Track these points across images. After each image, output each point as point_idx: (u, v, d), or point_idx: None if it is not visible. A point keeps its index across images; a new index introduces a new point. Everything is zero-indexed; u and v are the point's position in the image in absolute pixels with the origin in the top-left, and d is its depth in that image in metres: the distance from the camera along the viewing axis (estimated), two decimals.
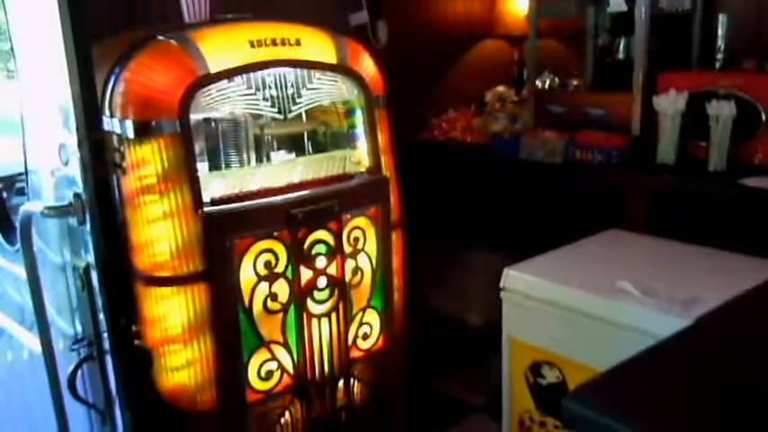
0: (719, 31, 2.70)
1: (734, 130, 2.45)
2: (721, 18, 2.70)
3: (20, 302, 2.04)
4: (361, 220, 2.11)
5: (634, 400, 1.06)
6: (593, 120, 2.85)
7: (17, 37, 1.92)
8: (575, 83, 3.21)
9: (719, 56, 2.71)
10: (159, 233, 1.78)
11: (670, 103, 2.57)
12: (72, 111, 1.48)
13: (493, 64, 3.53)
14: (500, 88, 3.38)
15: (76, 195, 1.48)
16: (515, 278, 2.12)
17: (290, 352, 2.00)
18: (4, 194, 2.37)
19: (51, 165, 1.72)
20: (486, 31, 3.48)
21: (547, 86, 3.25)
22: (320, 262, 2.01)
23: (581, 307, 1.95)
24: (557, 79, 3.26)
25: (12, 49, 1.96)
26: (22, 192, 2.14)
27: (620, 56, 2.97)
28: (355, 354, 2.16)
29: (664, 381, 1.11)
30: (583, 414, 1.02)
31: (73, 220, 1.54)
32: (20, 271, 1.84)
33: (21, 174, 2.03)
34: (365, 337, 2.19)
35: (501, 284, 2.15)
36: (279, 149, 2.13)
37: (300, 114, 2.07)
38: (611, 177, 2.62)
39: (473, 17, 3.46)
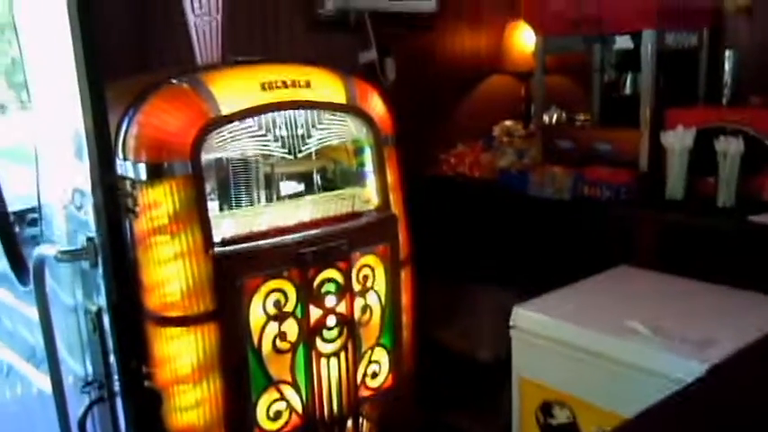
0: (726, 67, 2.72)
1: (742, 165, 2.45)
2: (728, 54, 2.72)
3: (30, 342, 2.05)
4: (370, 259, 2.12)
5: None
6: (600, 155, 2.85)
7: (30, 69, 1.95)
8: (582, 118, 3.22)
9: (726, 91, 2.72)
10: (170, 274, 1.79)
11: (678, 139, 2.57)
12: (85, 150, 1.50)
13: (500, 99, 3.55)
14: (508, 123, 3.40)
15: (89, 240, 1.50)
16: (525, 316, 2.12)
17: (298, 392, 2.00)
18: (17, 228, 2.39)
19: (64, 200, 1.74)
20: (493, 67, 3.51)
21: (554, 121, 3.26)
22: (329, 301, 2.02)
23: (591, 346, 1.94)
24: (564, 114, 3.28)
25: (25, 81, 1.99)
26: (33, 223, 2.17)
27: (627, 91, 2.99)
28: (364, 392, 2.16)
29: None
30: None
31: (86, 264, 1.56)
32: (31, 311, 1.85)
33: (33, 209, 2.05)
34: (374, 375, 2.18)
35: (510, 322, 2.14)
36: (288, 188, 2.15)
37: (310, 153, 2.09)
38: (619, 213, 2.62)
39: (480, 53, 3.49)
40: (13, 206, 2.42)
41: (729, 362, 1.35)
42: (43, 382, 1.97)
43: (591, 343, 1.94)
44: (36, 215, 2.03)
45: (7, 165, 2.59)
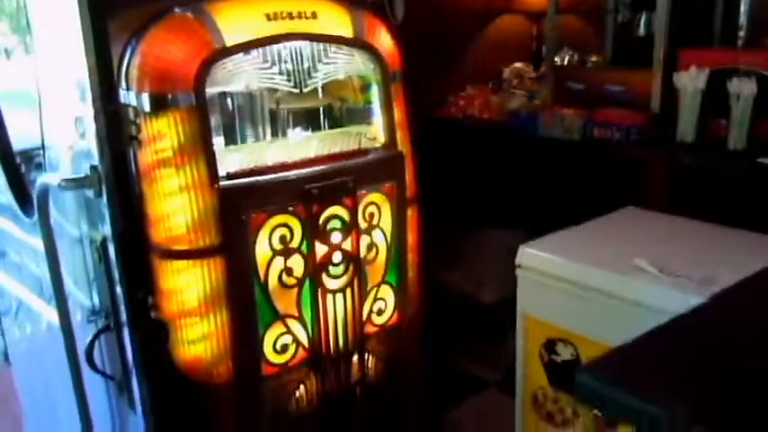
0: (742, 8, 2.66)
1: (755, 108, 2.41)
2: None
3: (38, 275, 2.06)
4: (376, 196, 2.11)
5: (646, 374, 1.05)
6: (612, 97, 2.81)
7: (33, 11, 1.92)
8: (594, 59, 3.17)
9: (741, 33, 2.66)
10: (175, 207, 1.78)
11: (691, 81, 2.53)
12: (88, 84, 1.49)
13: (511, 40, 3.49)
14: (518, 65, 3.35)
15: (93, 168, 1.49)
16: (531, 255, 2.12)
17: (305, 326, 2.01)
18: (23, 168, 2.39)
19: (68, 138, 1.73)
20: (504, 6, 3.44)
21: (566, 63, 3.21)
22: (335, 237, 2.01)
23: (597, 285, 1.94)
24: (576, 56, 3.22)
25: (28, 23, 1.96)
26: (40, 166, 2.16)
27: (641, 32, 2.93)
28: (370, 329, 2.17)
29: (676, 357, 1.10)
30: (595, 387, 1.02)
31: (90, 193, 1.55)
32: (38, 243, 1.85)
33: (38, 148, 2.04)
34: (380, 312, 2.19)
35: (516, 262, 2.14)
36: (294, 124, 2.13)
37: (316, 89, 2.06)
38: (629, 155, 2.60)
39: None
40: (17, 147, 2.41)
41: (729, 292, 1.35)
42: (52, 316, 1.99)
43: (597, 281, 1.94)
44: (41, 159, 2.02)
45: (13, 108, 2.57)
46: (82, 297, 1.84)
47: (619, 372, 1.06)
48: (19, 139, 2.37)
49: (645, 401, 0.95)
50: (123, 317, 1.63)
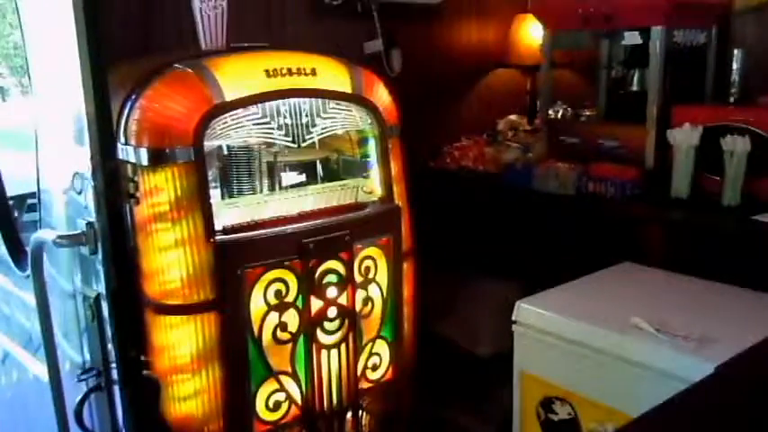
0: (734, 66, 2.69)
1: (748, 165, 2.43)
2: (736, 53, 2.69)
3: (27, 327, 2.03)
4: (372, 250, 2.10)
5: None
6: (606, 151, 2.83)
7: (32, 53, 1.92)
8: (588, 113, 3.20)
9: (734, 90, 2.69)
10: (170, 261, 1.77)
11: (684, 137, 2.55)
12: (87, 136, 1.48)
13: (506, 93, 3.52)
14: (513, 117, 3.38)
15: (89, 224, 1.47)
16: (528, 312, 2.10)
17: (298, 383, 1.98)
18: (16, 213, 2.37)
19: (64, 186, 1.71)
20: (499, 60, 3.48)
21: (560, 116, 3.24)
22: (331, 292, 2.00)
23: (594, 343, 1.92)
24: (570, 109, 3.25)
25: (26, 66, 1.97)
26: (32, 208, 2.15)
27: (635, 88, 2.95)
28: (364, 385, 2.14)
29: None
30: None
31: (85, 249, 1.54)
32: (29, 297, 1.83)
33: (32, 194, 2.03)
34: (374, 367, 2.17)
35: (513, 317, 2.12)
36: (291, 177, 2.13)
37: (314, 143, 2.07)
38: (624, 210, 2.60)
39: (486, 46, 3.46)
40: (12, 191, 2.40)
41: (736, 361, 1.33)
42: (39, 369, 1.95)
43: (594, 339, 1.92)
44: (35, 200, 2.01)
45: (7, 150, 2.57)
46: (72, 352, 1.81)
47: None
48: (13, 179, 2.36)
49: None
50: (114, 375, 1.60)
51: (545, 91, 3.16)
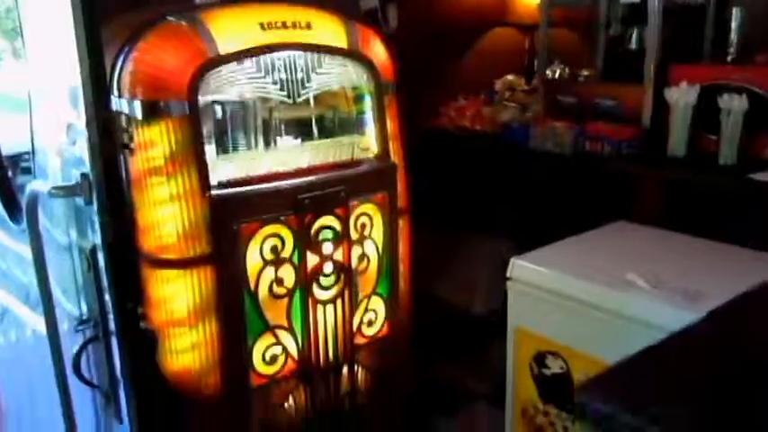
0: (732, 25, 2.67)
1: (745, 123, 2.42)
2: (734, 11, 2.67)
3: (24, 282, 2.03)
4: (368, 207, 2.10)
5: (644, 393, 1.04)
6: (603, 110, 2.82)
7: (25, 14, 1.90)
8: (585, 73, 3.18)
9: (732, 49, 2.67)
10: (166, 215, 1.77)
11: (681, 96, 2.54)
12: (81, 90, 1.47)
13: (503, 52, 3.50)
14: (510, 77, 3.36)
15: (84, 175, 1.47)
16: (522, 268, 2.11)
17: (294, 337, 2.00)
18: (10, 173, 2.36)
19: (58, 144, 1.71)
20: (497, 18, 3.45)
21: (557, 76, 3.22)
22: (326, 248, 2.01)
23: (588, 298, 1.94)
24: (567, 69, 3.23)
25: (19, 26, 1.94)
26: (27, 171, 2.14)
27: (632, 46, 2.93)
28: (360, 340, 2.16)
29: (673, 375, 1.10)
30: (598, 408, 1.01)
31: (80, 201, 1.53)
32: (25, 250, 1.83)
33: (27, 153, 2.02)
34: (370, 323, 2.18)
35: (507, 274, 2.13)
36: (287, 133, 2.12)
37: (309, 99, 2.06)
38: (620, 169, 2.60)
39: (484, 4, 3.43)
40: (6, 152, 2.39)
41: (723, 309, 1.35)
42: (38, 323, 1.96)
43: (588, 295, 1.94)
44: (29, 163, 2.00)
45: (1, 113, 2.55)
46: (69, 305, 1.82)
47: (617, 390, 1.05)
48: (6, 144, 2.35)
49: (642, 419, 0.95)
50: (112, 326, 1.61)
51: (542, 50, 3.14)
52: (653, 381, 1.08)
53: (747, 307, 1.35)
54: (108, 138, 1.43)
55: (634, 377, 1.09)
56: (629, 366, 1.11)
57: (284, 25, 1.92)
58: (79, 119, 1.50)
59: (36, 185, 1.66)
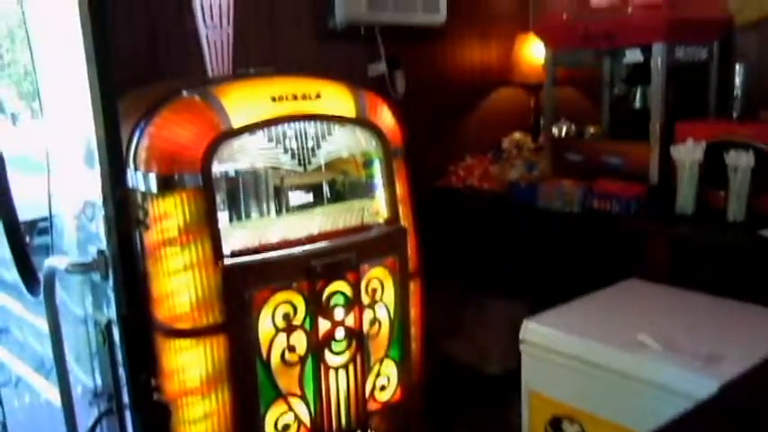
0: (736, 81, 2.70)
1: (753, 180, 2.44)
2: (738, 68, 2.70)
3: (40, 352, 2.05)
4: (379, 271, 2.12)
5: None
6: (610, 168, 2.84)
7: (42, 80, 1.95)
8: (591, 130, 3.21)
9: (736, 105, 2.70)
10: (179, 285, 1.80)
11: (688, 153, 2.56)
12: (97, 159, 1.50)
13: (509, 111, 3.55)
14: (517, 135, 3.40)
15: (100, 252, 1.50)
16: (534, 330, 2.10)
17: (307, 404, 1.99)
18: (27, 237, 2.40)
19: (75, 210, 1.74)
20: (502, 79, 3.51)
21: (564, 134, 3.25)
22: (338, 313, 2.02)
23: (601, 361, 1.93)
24: (573, 127, 3.27)
25: (37, 91, 1.99)
26: (43, 231, 2.17)
27: (637, 105, 2.97)
28: (373, 406, 2.15)
29: None
30: None
31: (96, 276, 1.56)
32: (41, 322, 1.85)
33: (42, 218, 2.06)
34: (383, 388, 2.18)
35: (520, 336, 2.12)
36: (298, 200, 2.15)
37: (320, 165, 2.09)
38: (629, 227, 2.61)
39: (489, 65, 3.50)
40: (23, 216, 2.42)
41: (742, 378, 1.34)
42: (52, 393, 1.97)
43: (601, 357, 1.93)
44: (45, 224, 2.04)
45: (18, 175, 2.60)
46: (83, 376, 1.83)
47: None
48: (24, 206, 2.38)
49: None
50: (126, 399, 1.62)
51: (548, 108, 3.19)
52: None
53: (762, 377, 1.34)
54: (124, 215, 1.46)
55: None
56: None
57: (294, 97, 1.97)
58: (95, 191, 1.53)
59: (54, 261, 1.69)
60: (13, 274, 2.15)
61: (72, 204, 1.76)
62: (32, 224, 2.52)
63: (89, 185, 1.58)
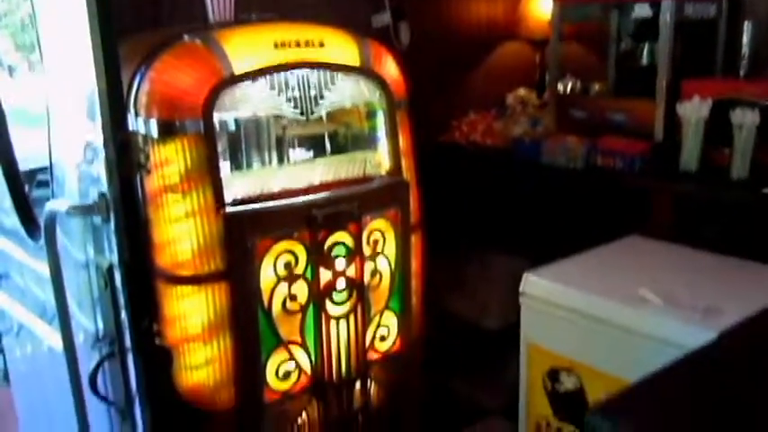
0: (744, 39, 2.67)
1: (758, 137, 2.42)
2: (746, 25, 2.67)
3: (41, 298, 2.05)
4: (380, 223, 2.12)
5: (657, 418, 1.04)
6: (615, 125, 2.82)
7: (43, 30, 1.93)
8: (597, 87, 3.18)
9: (744, 63, 2.67)
10: (181, 232, 1.80)
11: (693, 110, 2.54)
12: (98, 108, 1.49)
13: (514, 67, 3.51)
14: (521, 91, 3.36)
15: (101, 195, 1.49)
16: (535, 283, 2.11)
17: (307, 352, 2.01)
18: (27, 187, 2.39)
19: (76, 159, 1.73)
20: (508, 33, 3.46)
21: (569, 90, 3.22)
22: (339, 264, 2.02)
23: (601, 314, 1.94)
24: (579, 83, 3.23)
25: (37, 41, 1.97)
26: (44, 184, 2.16)
27: (644, 61, 2.94)
28: (372, 356, 2.17)
29: (687, 399, 1.09)
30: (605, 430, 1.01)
31: (97, 219, 1.56)
32: (42, 267, 1.85)
33: (44, 168, 2.05)
34: (383, 338, 2.19)
35: (520, 289, 2.13)
36: (300, 149, 2.14)
37: (322, 116, 2.08)
38: (633, 183, 2.60)
39: (495, 20, 3.44)
40: (21, 167, 2.41)
41: (738, 328, 1.34)
42: (54, 339, 1.98)
43: (601, 310, 1.94)
44: (46, 176, 2.03)
45: (17, 127, 2.58)
46: (85, 321, 1.84)
47: (629, 414, 1.05)
48: (23, 158, 2.38)
49: None
50: (128, 343, 1.63)
51: (554, 65, 3.15)
52: (663, 406, 1.08)
53: (759, 327, 1.34)
54: (125, 158, 1.45)
55: (646, 402, 1.09)
56: (641, 390, 1.11)
57: (297, 44, 1.95)
58: (97, 136, 1.52)
59: (54, 204, 1.69)
60: (12, 221, 2.15)
61: (73, 154, 1.74)
62: (31, 175, 2.51)
63: (90, 132, 1.57)
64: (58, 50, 1.84)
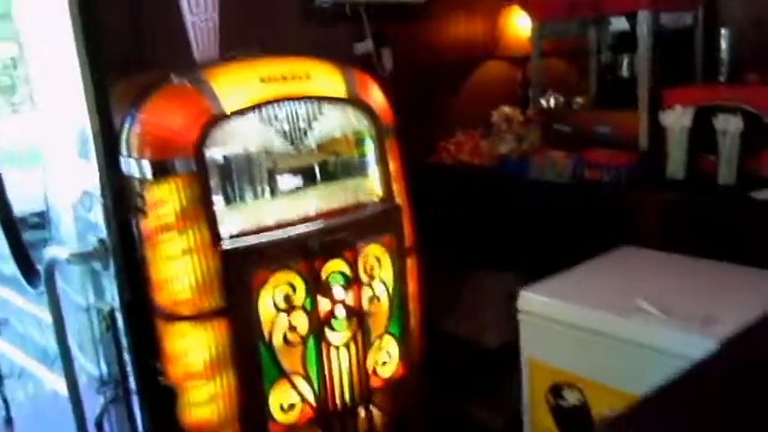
0: (722, 45, 2.71)
1: (742, 143, 2.46)
2: (723, 32, 2.72)
3: (42, 343, 2.06)
4: (375, 249, 2.13)
5: None
6: (600, 137, 2.86)
7: (31, 71, 1.94)
8: (579, 101, 3.22)
9: (723, 69, 2.71)
10: (179, 270, 1.80)
11: (676, 119, 2.58)
12: (90, 146, 1.50)
13: (497, 85, 3.55)
14: (506, 109, 3.39)
15: (100, 241, 1.50)
16: (532, 300, 2.13)
17: (310, 383, 2.01)
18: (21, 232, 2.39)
19: (71, 200, 1.74)
20: (488, 52, 3.51)
21: (552, 105, 3.26)
22: (337, 292, 2.03)
23: (599, 327, 1.95)
24: (561, 98, 3.27)
25: (26, 82, 1.99)
26: (36, 226, 2.17)
27: (624, 73, 2.98)
28: (375, 382, 2.17)
29: (693, 415, 1.10)
30: None
31: (97, 264, 1.57)
32: (42, 312, 1.86)
33: (38, 213, 2.06)
34: (384, 364, 2.20)
35: (518, 306, 2.15)
36: (292, 181, 2.15)
37: (312, 146, 2.09)
38: (621, 195, 2.63)
39: (475, 40, 3.49)
40: (16, 210, 2.42)
41: (739, 337, 1.36)
42: (57, 383, 1.98)
43: (599, 323, 1.95)
44: (39, 219, 2.04)
45: (10, 171, 2.59)
46: (87, 364, 1.84)
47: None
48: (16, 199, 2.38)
49: None
50: (132, 385, 1.63)
51: (536, 81, 3.19)
52: (671, 423, 1.09)
53: (758, 335, 1.36)
54: (122, 204, 1.47)
55: (652, 419, 1.10)
56: (647, 406, 1.13)
57: (284, 78, 1.97)
58: (92, 179, 1.53)
59: (54, 251, 1.70)
60: (10, 268, 2.15)
61: (66, 194, 1.76)
62: (23, 220, 2.51)
63: (84, 176, 1.59)
64: (48, 90, 1.85)
